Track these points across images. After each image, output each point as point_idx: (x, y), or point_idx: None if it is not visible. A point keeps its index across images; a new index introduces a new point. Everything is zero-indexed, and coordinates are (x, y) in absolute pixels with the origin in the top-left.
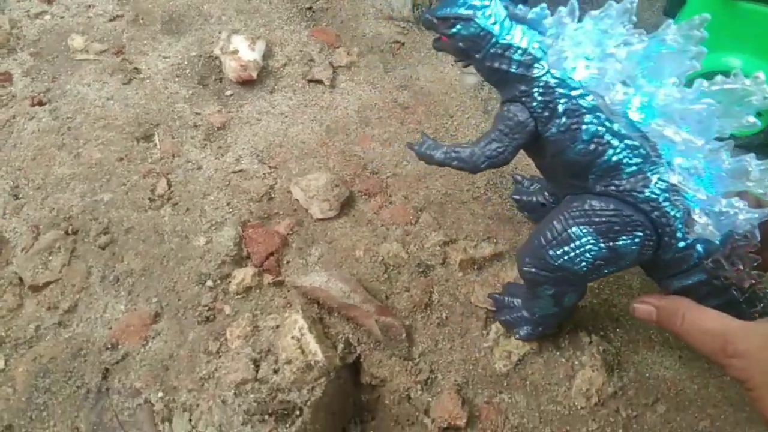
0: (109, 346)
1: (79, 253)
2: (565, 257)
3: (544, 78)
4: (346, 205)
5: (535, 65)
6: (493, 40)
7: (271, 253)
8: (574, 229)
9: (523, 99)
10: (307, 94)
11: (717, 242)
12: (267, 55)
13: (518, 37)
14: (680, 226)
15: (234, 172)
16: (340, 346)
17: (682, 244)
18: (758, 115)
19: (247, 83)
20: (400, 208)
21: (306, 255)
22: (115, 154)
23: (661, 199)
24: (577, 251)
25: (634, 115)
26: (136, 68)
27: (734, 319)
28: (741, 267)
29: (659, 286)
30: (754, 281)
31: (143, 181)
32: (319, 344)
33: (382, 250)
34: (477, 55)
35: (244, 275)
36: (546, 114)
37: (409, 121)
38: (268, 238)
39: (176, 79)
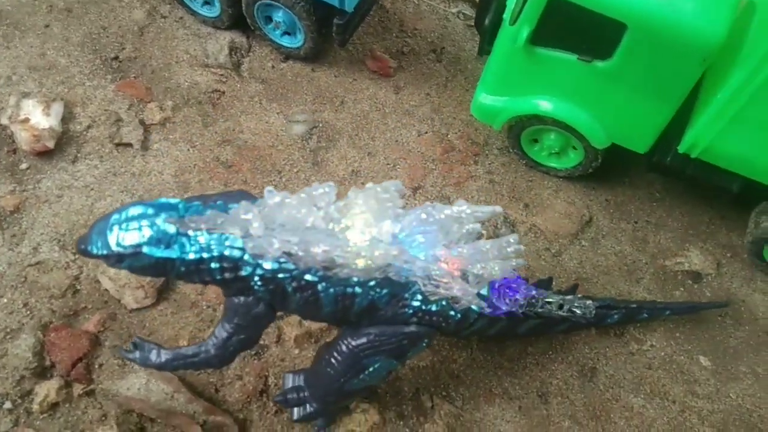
0: None
1: None
2: (364, 381)
3: (257, 273)
4: (165, 289)
5: (240, 265)
6: (178, 262)
7: (80, 358)
8: (367, 360)
9: (248, 293)
10: (116, 160)
11: (485, 293)
12: (67, 118)
13: (205, 246)
14: (449, 307)
15: (31, 265)
16: None
17: (458, 316)
18: (574, 149)
19: (43, 154)
20: None
21: None
22: None
23: (422, 307)
24: (375, 374)
25: (362, 264)
26: None
27: None
28: (512, 296)
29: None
30: (527, 300)
31: None
32: None
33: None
34: (170, 276)
35: (48, 390)
36: (278, 297)
37: (234, 181)
38: (74, 341)
39: None
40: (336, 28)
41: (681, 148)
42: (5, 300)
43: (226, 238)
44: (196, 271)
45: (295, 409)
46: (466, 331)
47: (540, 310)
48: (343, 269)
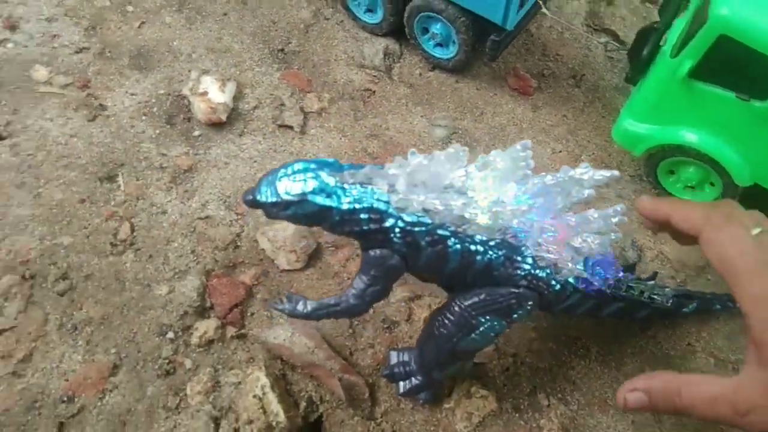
0: (65, 399)
1: (36, 299)
2: (474, 342)
3: (398, 225)
4: (313, 257)
5: (385, 217)
6: (335, 211)
7: (236, 305)
8: (478, 319)
9: (386, 245)
10: (277, 139)
11: (581, 269)
12: (237, 96)
13: (357, 198)
14: (551, 277)
15: (200, 218)
16: (303, 404)
17: (558, 287)
18: (711, 185)
19: (215, 125)
20: None
21: None
22: (77, 195)
23: (532, 271)
24: (484, 334)
25: (484, 221)
26: (101, 104)
27: (724, 377)
28: (603, 273)
29: (549, 313)
30: (613, 281)
31: (105, 224)
32: (281, 404)
33: None
34: (323, 225)
35: (206, 327)
36: (412, 251)
37: None
38: (233, 289)
39: (143, 118)
40: (491, 44)
41: None
42: (176, 244)
43: (374, 192)
44: (348, 220)
45: (401, 383)
46: (561, 305)
47: (624, 293)
48: (471, 225)
